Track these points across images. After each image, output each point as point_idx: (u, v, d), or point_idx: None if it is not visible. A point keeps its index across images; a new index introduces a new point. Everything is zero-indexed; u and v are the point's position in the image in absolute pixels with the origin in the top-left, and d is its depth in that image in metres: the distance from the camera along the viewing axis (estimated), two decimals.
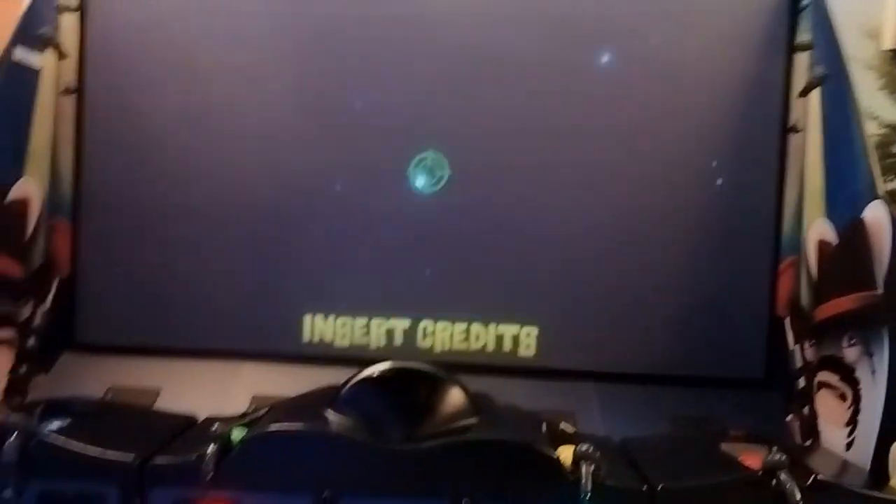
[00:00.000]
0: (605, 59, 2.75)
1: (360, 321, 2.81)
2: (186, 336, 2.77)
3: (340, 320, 2.81)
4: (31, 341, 2.56)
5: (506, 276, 2.75)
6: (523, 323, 2.74)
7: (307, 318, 2.80)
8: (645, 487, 1.93)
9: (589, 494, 1.86)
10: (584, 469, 1.88)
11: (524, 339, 2.75)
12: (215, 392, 2.58)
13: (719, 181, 2.72)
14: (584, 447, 1.92)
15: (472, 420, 2.02)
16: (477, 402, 2.08)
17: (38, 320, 2.59)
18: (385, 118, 2.77)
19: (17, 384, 2.49)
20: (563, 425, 2.23)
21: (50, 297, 2.65)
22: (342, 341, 2.80)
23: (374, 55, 2.76)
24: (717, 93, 2.70)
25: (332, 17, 2.76)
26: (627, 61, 2.74)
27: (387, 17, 2.77)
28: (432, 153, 2.78)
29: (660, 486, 1.92)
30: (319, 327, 2.81)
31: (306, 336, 2.80)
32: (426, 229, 2.79)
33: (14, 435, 1.92)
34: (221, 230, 2.76)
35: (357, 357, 2.63)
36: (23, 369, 2.52)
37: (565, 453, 1.97)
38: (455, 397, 2.04)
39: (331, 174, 2.78)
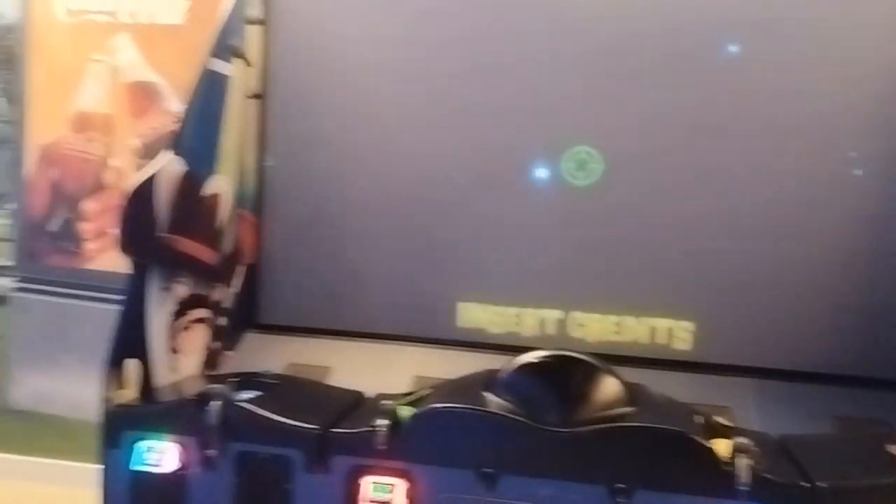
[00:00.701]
0: (745, 46, 2.71)
1: (513, 310, 2.91)
2: (355, 319, 2.98)
3: (494, 308, 2.92)
4: (222, 321, 2.87)
5: (660, 270, 2.76)
6: (678, 316, 2.74)
7: (462, 306, 2.93)
8: (806, 484, 1.92)
9: (747, 487, 1.88)
10: (742, 462, 1.90)
11: (679, 332, 2.75)
12: (379, 371, 2.77)
13: (860, 172, 2.62)
14: (742, 440, 1.94)
15: (628, 408, 2.09)
16: (633, 391, 2.14)
17: (227, 302, 2.89)
18: (538, 111, 2.85)
19: (211, 359, 2.80)
20: (719, 418, 2.24)
21: (237, 281, 2.95)
22: (495, 329, 2.91)
23: (524, 50, 2.86)
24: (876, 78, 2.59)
25: (483, 18, 2.90)
26: (772, 48, 2.69)
27: (532, 11, 2.87)
28: (586, 147, 2.83)
29: (822, 484, 1.90)
30: (474, 314, 2.93)
31: (461, 322, 2.93)
32: (580, 221, 2.84)
33: (216, 402, 2.20)
34: (387, 221, 2.95)
35: (510, 345, 2.77)
36: (215, 346, 2.83)
37: (721, 446, 1.99)
38: (611, 385, 2.12)
39: (487, 166, 2.90)
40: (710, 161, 2.75)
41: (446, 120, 2.92)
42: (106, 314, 3.55)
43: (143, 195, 2.45)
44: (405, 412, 2.15)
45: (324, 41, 2.96)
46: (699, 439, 1.99)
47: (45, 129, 3.64)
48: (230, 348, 2.92)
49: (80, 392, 3.63)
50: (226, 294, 2.89)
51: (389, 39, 2.94)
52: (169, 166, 2.53)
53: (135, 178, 2.52)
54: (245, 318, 2.99)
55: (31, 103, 3.66)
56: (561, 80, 2.84)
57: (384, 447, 2.06)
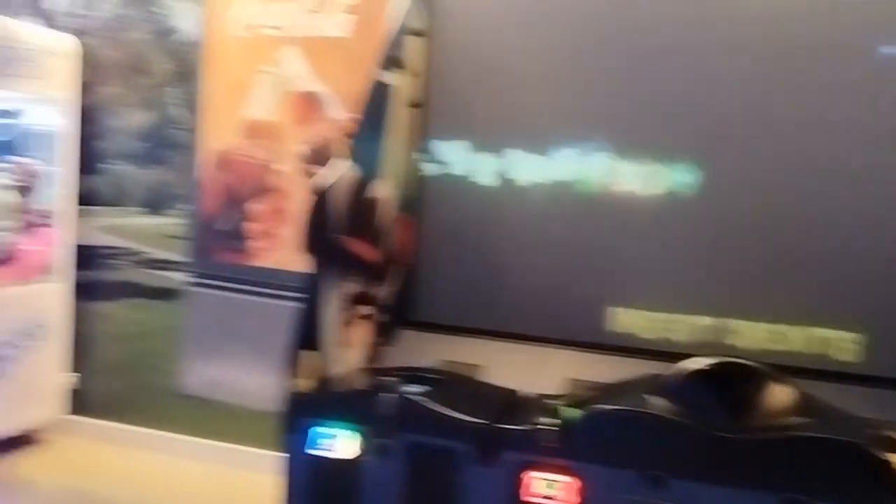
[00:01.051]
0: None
1: (665, 316, 2.91)
2: (505, 320, 3.07)
3: (645, 314, 2.94)
4: (383, 318, 3.02)
5: (823, 277, 2.70)
6: (842, 326, 2.67)
7: (614, 310, 2.96)
8: None
9: None
10: None
11: (842, 343, 2.68)
12: (529, 372, 2.84)
13: None
14: None
15: (802, 418, 2.07)
16: (805, 401, 2.12)
17: (387, 300, 3.05)
18: (694, 116, 2.85)
19: (372, 353, 2.96)
20: (893, 432, 2.18)
21: (396, 280, 3.10)
22: (646, 334, 2.92)
23: (680, 55, 2.88)
24: None
25: (640, 27, 2.95)
26: None
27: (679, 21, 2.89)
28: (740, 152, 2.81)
29: None
30: (624, 319, 2.96)
31: (612, 327, 2.96)
32: (734, 227, 2.81)
33: (389, 394, 2.34)
34: (540, 224, 3.03)
35: (661, 350, 2.78)
36: (376, 341, 2.99)
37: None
38: (783, 394, 2.10)
39: (632, 171, 2.93)
40: (875, 165, 2.66)
41: (604, 126, 2.98)
42: (268, 308, 3.86)
43: (323, 200, 2.63)
44: (571, 412, 2.21)
45: (484, 52, 3.08)
46: (877, 452, 1.95)
47: (217, 136, 3.93)
48: (388, 344, 3.08)
49: (244, 380, 3.93)
50: (386, 292, 3.05)
51: (548, 50, 3.02)
52: (345, 172, 2.70)
53: (316, 184, 2.72)
54: (402, 315, 3.15)
55: (206, 112, 3.96)
56: (714, 84, 2.83)
57: (552, 445, 2.13)
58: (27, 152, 4.06)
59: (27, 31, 3.92)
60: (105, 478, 3.83)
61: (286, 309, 3.72)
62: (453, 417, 2.28)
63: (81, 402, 4.26)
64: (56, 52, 3.99)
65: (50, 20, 4.21)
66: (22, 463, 3.92)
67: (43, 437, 4.16)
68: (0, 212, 3.91)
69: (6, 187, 3.94)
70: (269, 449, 3.68)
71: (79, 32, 4.12)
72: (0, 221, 3.90)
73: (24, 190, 4.00)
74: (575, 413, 2.19)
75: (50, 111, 4.05)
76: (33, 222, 4.03)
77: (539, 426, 2.17)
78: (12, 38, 3.77)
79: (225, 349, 3.97)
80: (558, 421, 2.17)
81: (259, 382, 3.83)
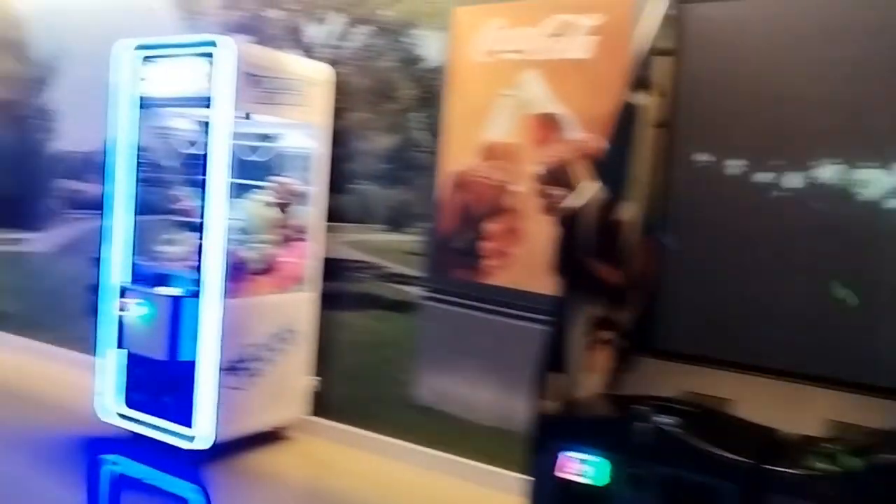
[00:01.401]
0: None
1: None
2: (753, 351, 2.88)
3: None
4: (624, 343, 2.96)
5: None
6: None
7: (885, 347, 2.69)
8: None
9: None
10: None
11: None
12: (783, 409, 2.64)
13: None
14: None
15: None
16: None
17: (629, 325, 2.98)
18: None
19: (611, 379, 2.91)
20: None
21: (638, 305, 3.02)
22: None
23: None
24: None
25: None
26: None
27: None
28: None
29: None
30: None
31: (881, 366, 2.68)
32: None
33: (645, 424, 2.27)
34: (796, 249, 2.82)
35: None
36: (617, 367, 2.92)
37: None
38: None
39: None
40: None
41: (861, 152, 2.71)
42: (500, 326, 3.93)
43: (573, 222, 2.64)
44: (852, 459, 2.02)
45: (736, 71, 2.92)
46: None
47: (457, 157, 4.09)
48: (627, 370, 3.01)
49: (474, 395, 4.03)
50: (628, 318, 2.99)
51: (801, 66, 2.81)
52: (596, 195, 2.69)
53: (567, 206, 2.73)
54: (642, 342, 3.06)
55: (447, 135, 4.13)
56: None
57: (832, 494, 1.96)
58: (285, 172, 4.46)
59: (290, 62, 4.32)
60: (341, 477, 4.09)
61: (517, 328, 3.79)
62: (716, 453, 2.17)
63: (322, 405, 4.57)
64: (314, 80, 4.36)
65: (309, 51, 4.62)
66: (270, 457, 4.28)
67: (288, 434, 4.53)
68: (264, 226, 4.33)
69: (270, 204, 4.36)
70: (499, 466, 3.75)
71: (333, 62, 4.48)
72: (263, 235, 4.32)
73: (284, 207, 4.40)
74: (857, 460, 2.00)
75: (306, 135, 4.43)
76: (290, 236, 4.42)
77: (816, 472, 2.00)
78: (279, 69, 4.17)
79: (456, 363, 4.09)
80: (837, 468, 1.99)
81: (489, 398, 3.91)
